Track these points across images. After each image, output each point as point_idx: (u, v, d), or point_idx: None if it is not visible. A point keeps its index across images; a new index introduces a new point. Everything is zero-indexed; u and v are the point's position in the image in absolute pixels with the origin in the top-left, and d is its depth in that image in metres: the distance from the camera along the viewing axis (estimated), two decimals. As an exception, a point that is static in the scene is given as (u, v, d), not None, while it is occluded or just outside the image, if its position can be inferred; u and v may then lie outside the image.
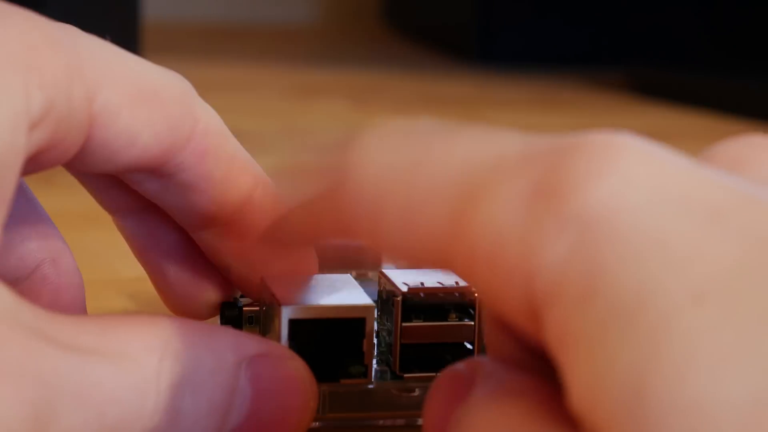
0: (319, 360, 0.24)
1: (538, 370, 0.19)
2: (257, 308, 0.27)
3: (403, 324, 0.26)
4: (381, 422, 0.26)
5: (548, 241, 0.17)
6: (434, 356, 0.26)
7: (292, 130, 0.68)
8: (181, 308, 0.28)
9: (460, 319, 0.26)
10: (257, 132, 0.64)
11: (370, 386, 0.26)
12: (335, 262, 0.28)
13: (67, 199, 0.38)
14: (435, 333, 0.26)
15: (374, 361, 0.26)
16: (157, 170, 0.25)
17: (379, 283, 0.27)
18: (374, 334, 0.25)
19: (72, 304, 0.26)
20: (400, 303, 0.26)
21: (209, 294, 0.28)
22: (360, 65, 0.95)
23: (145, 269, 0.28)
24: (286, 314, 0.24)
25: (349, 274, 0.27)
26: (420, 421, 0.26)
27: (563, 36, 0.96)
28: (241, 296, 0.28)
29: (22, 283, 0.25)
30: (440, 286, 0.26)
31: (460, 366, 0.21)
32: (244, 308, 0.28)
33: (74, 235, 0.28)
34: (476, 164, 0.18)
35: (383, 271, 0.27)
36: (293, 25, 1.21)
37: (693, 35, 0.94)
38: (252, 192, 0.26)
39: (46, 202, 0.27)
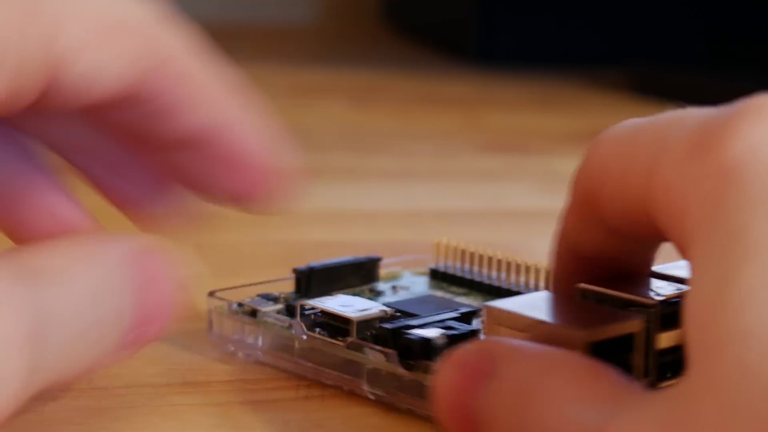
0: None
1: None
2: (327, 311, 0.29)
3: (658, 334, 0.25)
4: None
5: (696, 189, 0.21)
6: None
7: (292, 130, 0.68)
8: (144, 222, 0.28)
9: None
10: (257, 132, 0.64)
11: None
12: None
13: (67, 200, 0.37)
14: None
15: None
16: (128, 101, 0.24)
17: (590, 298, 0.26)
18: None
19: None
20: (658, 312, 0.25)
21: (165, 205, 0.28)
22: (360, 65, 0.95)
23: (99, 193, 0.28)
24: (585, 338, 0.24)
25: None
26: None
27: (563, 36, 0.96)
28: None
29: None
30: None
31: (475, 347, 0.23)
32: (314, 314, 0.29)
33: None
34: (667, 131, 0.23)
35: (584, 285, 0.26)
36: (293, 25, 1.21)
37: (692, 35, 0.94)
38: (235, 115, 0.26)
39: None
